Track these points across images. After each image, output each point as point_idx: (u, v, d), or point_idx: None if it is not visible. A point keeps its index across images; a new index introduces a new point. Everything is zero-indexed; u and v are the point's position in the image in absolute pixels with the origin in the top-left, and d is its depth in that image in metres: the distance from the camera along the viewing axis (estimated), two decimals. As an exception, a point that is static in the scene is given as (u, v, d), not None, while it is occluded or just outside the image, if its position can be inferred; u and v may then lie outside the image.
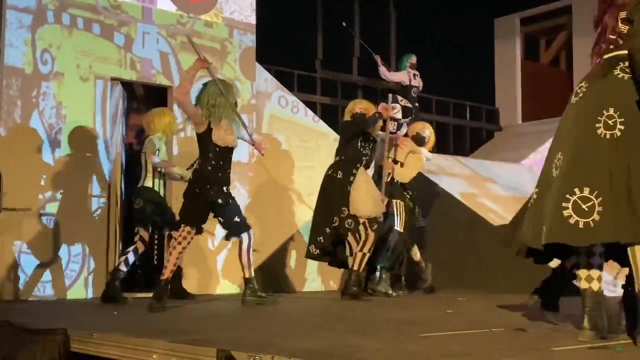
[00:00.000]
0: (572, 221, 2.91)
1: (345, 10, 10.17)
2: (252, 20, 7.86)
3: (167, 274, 5.06)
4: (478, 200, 7.80)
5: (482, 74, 11.25)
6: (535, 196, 3.21)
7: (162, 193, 6.14)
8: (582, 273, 3.12)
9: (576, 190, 2.93)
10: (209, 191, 5.18)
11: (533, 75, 11.39)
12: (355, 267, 6.10)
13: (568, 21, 11.04)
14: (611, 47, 3.09)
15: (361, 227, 6.07)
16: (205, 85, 5.37)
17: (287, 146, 7.99)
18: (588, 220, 2.89)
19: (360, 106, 6.48)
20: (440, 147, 9.23)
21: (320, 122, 8.34)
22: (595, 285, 3.10)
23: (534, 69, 11.64)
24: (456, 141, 9.85)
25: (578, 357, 2.82)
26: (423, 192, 7.91)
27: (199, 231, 5.37)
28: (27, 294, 6.16)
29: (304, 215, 7.73)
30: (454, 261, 7.49)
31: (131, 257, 5.89)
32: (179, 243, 5.10)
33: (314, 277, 7.92)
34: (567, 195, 2.93)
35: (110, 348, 3.43)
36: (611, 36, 3.08)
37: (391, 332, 3.63)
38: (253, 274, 5.48)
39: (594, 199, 2.90)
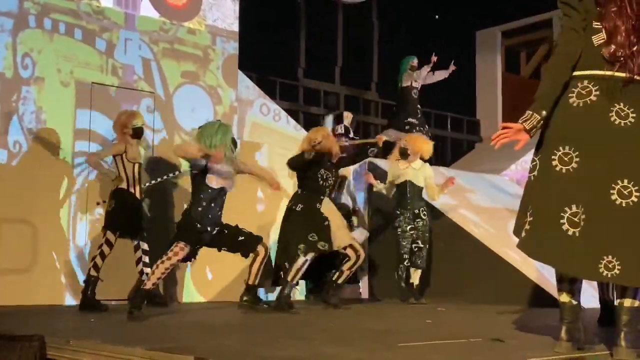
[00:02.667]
0: None
1: (328, 20, 10.22)
2: (235, 27, 7.87)
3: (149, 285, 4.98)
4: (458, 211, 7.83)
5: (464, 86, 11.33)
6: (583, 223, 2.91)
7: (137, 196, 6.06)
8: (564, 286, 3.13)
9: None
10: (200, 228, 5.13)
11: (514, 87, 11.49)
12: (339, 282, 6.36)
13: (549, 34, 11.15)
14: None
15: (350, 250, 6.20)
16: (201, 127, 5.30)
17: (268, 154, 7.98)
18: None
19: (321, 134, 6.27)
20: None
21: (302, 130, 8.34)
22: (575, 299, 3.11)
23: (514, 81, 11.75)
24: (437, 152, 9.87)
25: (554, 368, 2.84)
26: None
27: (193, 255, 5.25)
28: (2, 300, 6.09)
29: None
30: (434, 271, 7.51)
31: (99, 261, 5.79)
32: (169, 258, 5.01)
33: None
34: None
35: (87, 355, 3.40)
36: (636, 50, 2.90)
37: (369, 342, 3.63)
38: (257, 282, 5.51)
39: None
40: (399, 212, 7.08)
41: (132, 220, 5.97)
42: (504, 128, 3.07)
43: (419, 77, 8.92)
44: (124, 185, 5.95)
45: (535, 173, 3.07)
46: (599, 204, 2.89)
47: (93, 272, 5.79)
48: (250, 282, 5.50)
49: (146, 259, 5.99)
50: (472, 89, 11.65)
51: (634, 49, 2.93)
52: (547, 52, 11.43)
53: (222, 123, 5.36)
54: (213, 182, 5.15)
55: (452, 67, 9.05)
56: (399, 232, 7.03)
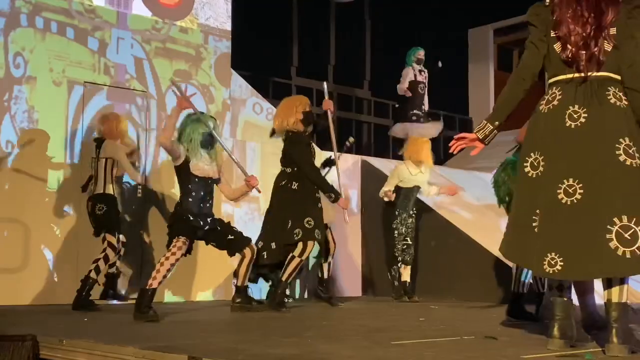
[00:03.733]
0: (619, 252, 2.87)
1: (321, 19, 10.22)
2: (228, 26, 7.86)
3: (155, 284, 4.90)
4: (451, 209, 7.85)
5: (456, 84, 11.35)
6: (535, 223, 3.07)
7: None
8: (553, 283, 3.17)
9: (615, 219, 2.90)
10: (192, 221, 5.10)
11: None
12: (325, 276, 6.27)
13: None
14: (598, 61, 3.03)
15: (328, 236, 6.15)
16: (184, 119, 5.24)
17: (261, 153, 7.98)
18: (633, 248, 2.88)
19: (306, 102, 5.96)
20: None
21: (294, 129, 8.34)
22: (565, 295, 3.14)
23: (507, 79, 11.73)
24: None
25: (547, 365, 2.85)
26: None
27: (189, 250, 5.19)
28: (-5, 300, 6.08)
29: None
30: (426, 269, 7.54)
31: (102, 265, 5.86)
32: (173, 254, 4.98)
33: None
34: (608, 226, 2.90)
35: (80, 355, 3.40)
36: (593, 50, 3.01)
37: (362, 340, 3.64)
38: (247, 283, 5.49)
39: (634, 226, 2.88)
40: (397, 214, 7.08)
41: (118, 219, 6.07)
42: (459, 138, 3.32)
43: (423, 74, 8.97)
44: (110, 190, 5.99)
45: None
46: (550, 203, 3.04)
47: (93, 275, 5.81)
48: (239, 284, 5.50)
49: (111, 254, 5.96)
50: (464, 87, 11.67)
51: (587, 49, 3.02)
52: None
53: (199, 116, 5.19)
54: (197, 171, 5.12)
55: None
56: (396, 235, 7.05)
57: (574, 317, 3.16)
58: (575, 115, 3.04)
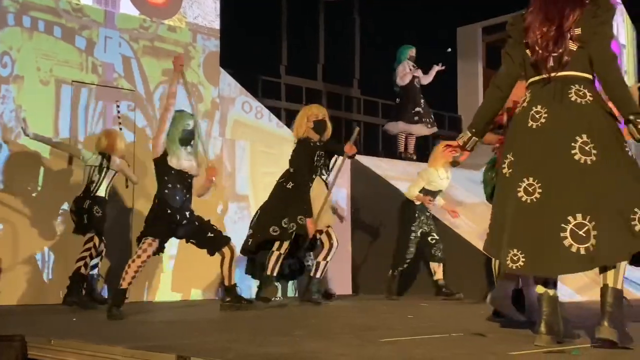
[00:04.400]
0: (573, 249, 2.97)
1: (310, 17, 10.21)
2: (216, 25, 7.85)
3: (124, 284, 4.98)
4: (439, 206, 7.85)
5: (445, 82, 11.36)
6: (493, 218, 3.28)
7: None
8: (538, 279, 3.20)
9: (570, 218, 2.99)
10: (170, 215, 5.12)
11: (495, 83, 11.54)
12: (318, 275, 6.26)
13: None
14: (562, 61, 3.11)
15: (325, 237, 6.21)
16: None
17: (250, 152, 7.97)
18: (587, 245, 2.96)
19: (323, 112, 6.37)
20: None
21: (284, 127, 8.33)
22: (551, 290, 3.16)
23: (496, 77, 11.79)
24: (419, 148, 9.91)
25: (535, 361, 2.86)
26: (385, 197, 7.97)
27: (160, 249, 5.23)
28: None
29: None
30: (416, 266, 7.54)
31: (89, 261, 5.98)
32: (139, 256, 5.02)
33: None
34: (563, 225, 2.99)
35: (69, 355, 3.40)
36: (558, 51, 3.11)
37: (351, 337, 3.64)
38: (234, 282, 5.49)
39: (588, 223, 2.97)
40: (417, 216, 7.06)
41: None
42: (447, 146, 3.55)
43: (417, 69, 9.03)
44: (101, 193, 6.16)
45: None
46: (514, 202, 3.14)
47: (83, 271, 5.96)
48: (227, 284, 5.49)
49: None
50: (453, 86, 11.69)
51: (553, 51, 3.12)
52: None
53: (180, 114, 5.23)
54: (174, 163, 5.13)
55: (434, 70, 9.20)
56: (412, 237, 7.03)
57: (560, 313, 3.18)
58: (537, 116, 3.14)
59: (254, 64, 9.24)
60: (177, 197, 5.15)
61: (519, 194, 3.11)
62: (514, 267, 3.10)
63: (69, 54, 6.82)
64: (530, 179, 3.09)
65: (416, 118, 8.99)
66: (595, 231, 2.96)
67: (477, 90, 11.47)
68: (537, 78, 3.20)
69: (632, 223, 2.95)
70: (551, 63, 3.13)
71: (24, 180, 6.44)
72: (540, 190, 3.06)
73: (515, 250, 3.09)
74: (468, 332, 3.79)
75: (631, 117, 3.04)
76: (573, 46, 3.11)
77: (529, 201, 3.08)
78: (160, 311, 5.70)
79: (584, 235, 2.97)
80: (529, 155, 3.13)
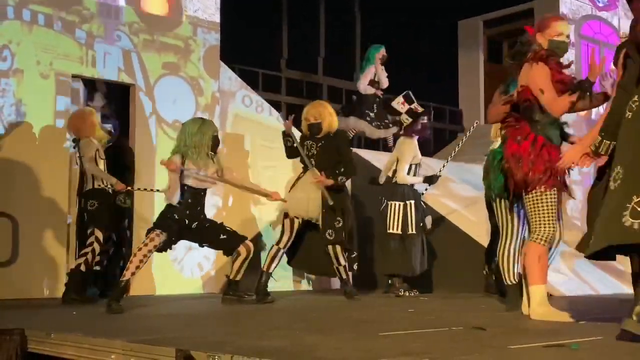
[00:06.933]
0: (627, 224, 2.98)
1: (310, 11, 10.20)
2: (217, 18, 7.82)
3: (127, 275, 4.98)
4: (440, 200, 7.85)
5: (446, 76, 11.36)
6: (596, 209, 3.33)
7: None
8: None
9: (634, 197, 3.01)
10: (178, 222, 5.15)
11: (496, 77, 11.50)
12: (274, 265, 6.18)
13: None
14: None
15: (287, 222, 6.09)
16: (183, 124, 5.36)
17: (250, 146, 7.97)
18: None
19: (329, 110, 6.52)
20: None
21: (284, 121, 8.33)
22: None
23: (497, 71, 11.77)
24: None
25: (534, 355, 2.85)
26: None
27: (168, 246, 5.24)
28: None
29: (266, 215, 7.73)
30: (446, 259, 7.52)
31: (90, 258, 5.86)
32: (145, 245, 5.02)
33: (280, 277, 7.89)
34: (627, 204, 3.02)
35: (68, 348, 3.40)
36: None
37: (350, 331, 3.65)
38: (239, 278, 5.49)
39: None
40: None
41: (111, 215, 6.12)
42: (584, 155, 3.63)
43: (382, 75, 8.82)
44: (100, 185, 5.99)
45: None
46: (606, 190, 3.24)
47: (83, 268, 5.83)
48: (232, 277, 5.51)
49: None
50: (454, 79, 11.68)
51: None
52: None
53: (205, 123, 5.33)
54: (189, 181, 5.18)
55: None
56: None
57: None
58: (633, 105, 3.18)
59: (255, 58, 9.24)
60: (188, 212, 5.21)
61: (610, 183, 3.16)
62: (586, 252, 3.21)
63: (69, 47, 6.81)
64: (618, 167, 3.14)
65: (368, 119, 8.83)
66: None
67: (478, 84, 11.46)
68: None
69: None
70: None
71: (24, 173, 6.42)
72: (621, 177, 3.10)
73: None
74: (468, 325, 3.78)
75: None
76: None
77: (613, 188, 3.13)
78: (159, 305, 5.70)
79: None
80: (619, 144, 3.20)
